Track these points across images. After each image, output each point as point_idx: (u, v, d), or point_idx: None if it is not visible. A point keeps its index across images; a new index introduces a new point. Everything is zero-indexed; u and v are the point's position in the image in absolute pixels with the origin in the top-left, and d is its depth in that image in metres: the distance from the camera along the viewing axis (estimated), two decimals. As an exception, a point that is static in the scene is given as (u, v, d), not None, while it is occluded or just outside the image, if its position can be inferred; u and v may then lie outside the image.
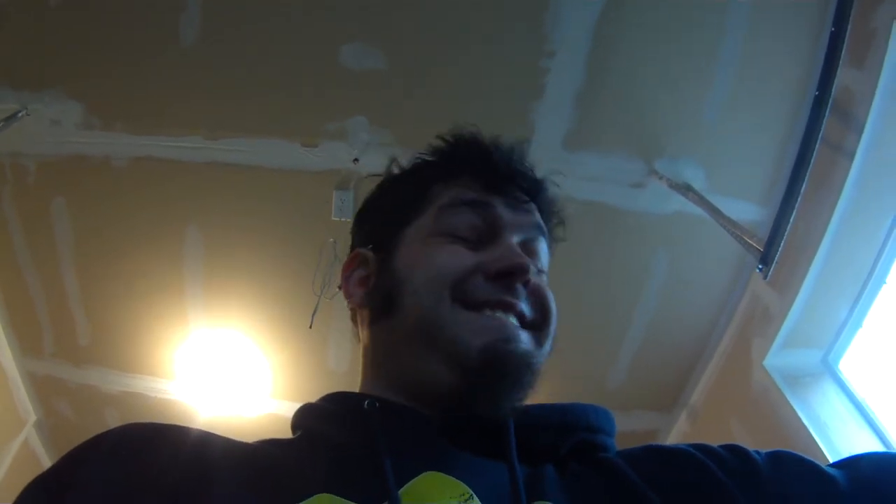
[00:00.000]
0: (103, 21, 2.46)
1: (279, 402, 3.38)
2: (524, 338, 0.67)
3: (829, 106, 1.94)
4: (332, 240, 2.79)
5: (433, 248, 0.71)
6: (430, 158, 0.82)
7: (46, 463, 3.50)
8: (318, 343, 3.12)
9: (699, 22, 2.48)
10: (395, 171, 0.85)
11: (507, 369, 0.63)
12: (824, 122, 1.95)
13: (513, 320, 0.68)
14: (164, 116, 2.67)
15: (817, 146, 1.98)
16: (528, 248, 0.75)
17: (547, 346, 0.71)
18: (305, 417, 0.71)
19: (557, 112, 2.62)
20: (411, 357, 0.68)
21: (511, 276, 0.68)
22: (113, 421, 3.54)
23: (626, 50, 2.51)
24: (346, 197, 2.78)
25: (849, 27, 1.90)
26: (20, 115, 2.56)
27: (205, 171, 2.77)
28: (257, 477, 0.57)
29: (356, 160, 2.71)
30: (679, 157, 2.70)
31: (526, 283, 0.69)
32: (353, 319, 0.82)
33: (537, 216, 0.79)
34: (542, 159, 2.79)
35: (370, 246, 0.79)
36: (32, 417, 3.47)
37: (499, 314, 0.67)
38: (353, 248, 0.85)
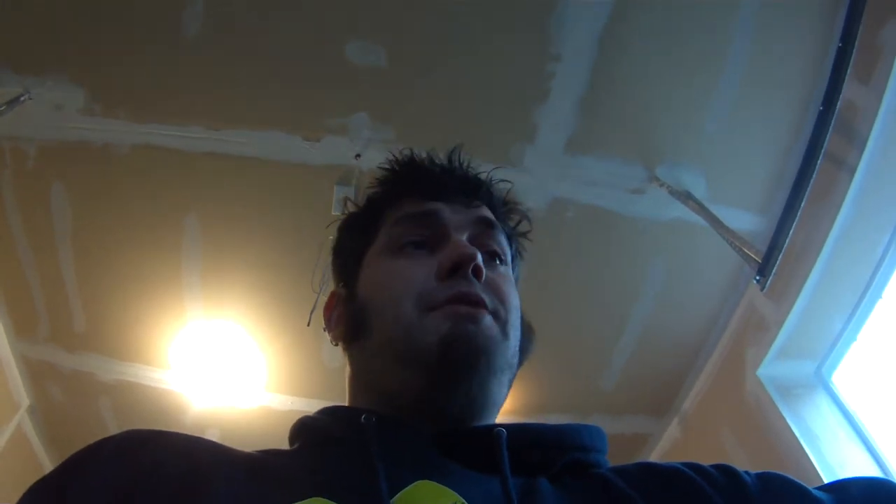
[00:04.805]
0: (108, 7, 2.45)
1: (273, 396, 3.36)
2: (488, 320, 0.67)
3: (832, 121, 1.95)
4: (332, 237, 2.78)
5: (389, 265, 0.73)
6: (378, 189, 0.85)
7: (39, 449, 3.50)
8: (313, 338, 3.12)
9: (706, 31, 2.49)
10: (352, 210, 0.88)
11: (470, 347, 0.64)
12: (828, 137, 1.96)
13: (475, 309, 0.67)
14: (166, 105, 2.66)
15: (819, 161, 1.98)
16: (480, 241, 0.76)
17: (512, 339, 0.70)
18: (302, 429, 0.73)
19: (561, 116, 2.63)
20: (385, 374, 0.69)
21: (460, 266, 0.69)
22: (106, 409, 3.54)
23: (632, 57, 2.52)
24: (348, 192, 2.77)
25: (856, 43, 1.90)
26: (22, 99, 2.55)
27: (205, 162, 2.76)
28: (253, 479, 0.58)
29: (358, 156, 2.71)
30: (680, 164, 2.71)
31: (477, 274, 0.69)
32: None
33: (484, 211, 0.80)
34: (544, 162, 2.79)
35: (341, 284, 0.83)
36: (25, 402, 3.46)
37: (461, 307, 0.66)
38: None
